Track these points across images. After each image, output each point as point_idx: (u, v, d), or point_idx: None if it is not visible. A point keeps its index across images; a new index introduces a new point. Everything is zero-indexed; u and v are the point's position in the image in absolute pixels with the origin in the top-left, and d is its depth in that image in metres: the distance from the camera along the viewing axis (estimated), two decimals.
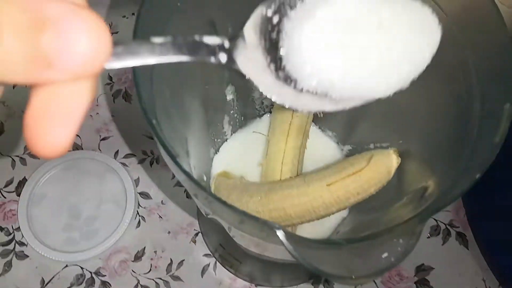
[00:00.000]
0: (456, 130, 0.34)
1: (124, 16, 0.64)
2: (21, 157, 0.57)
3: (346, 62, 0.19)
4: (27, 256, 0.52)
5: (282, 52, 0.20)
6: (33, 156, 0.57)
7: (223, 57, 0.19)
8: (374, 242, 0.26)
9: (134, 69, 0.28)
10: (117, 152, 0.58)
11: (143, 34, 0.28)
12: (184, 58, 0.18)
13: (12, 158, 0.57)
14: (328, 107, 0.21)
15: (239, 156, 0.50)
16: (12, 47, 0.13)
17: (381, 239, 0.26)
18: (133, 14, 0.64)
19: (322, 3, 0.19)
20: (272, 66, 0.20)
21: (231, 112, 0.49)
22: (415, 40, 0.20)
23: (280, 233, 0.25)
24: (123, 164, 0.57)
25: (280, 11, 0.20)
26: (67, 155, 0.56)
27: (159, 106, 0.30)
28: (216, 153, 0.50)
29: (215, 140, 0.49)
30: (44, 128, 0.15)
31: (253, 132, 0.50)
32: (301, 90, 0.20)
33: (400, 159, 0.40)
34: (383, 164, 0.40)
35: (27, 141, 0.16)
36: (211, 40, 0.19)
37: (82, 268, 0.52)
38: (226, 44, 0.20)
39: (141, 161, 0.58)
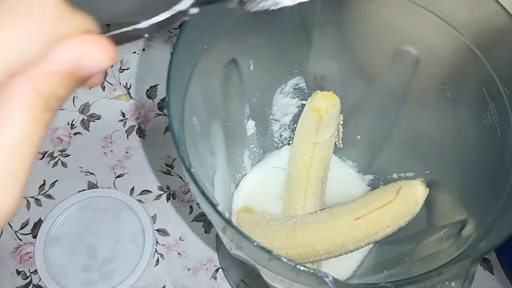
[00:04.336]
0: (489, 161, 0.34)
1: (135, 52, 0.64)
2: (36, 198, 0.56)
3: None
4: None
5: None
6: (48, 196, 0.56)
7: None
8: (425, 285, 0.25)
9: (168, 111, 0.27)
10: (132, 189, 0.57)
11: (176, 73, 0.28)
12: None
13: (27, 200, 0.56)
14: None
15: (259, 190, 0.50)
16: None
17: (432, 281, 0.25)
18: (143, 49, 0.64)
19: None
20: None
21: (251, 146, 0.48)
22: None
23: (329, 281, 0.24)
24: (140, 201, 0.56)
25: None
26: (83, 194, 0.55)
27: (188, 138, 0.30)
28: (236, 188, 0.50)
29: (235, 175, 0.49)
30: None
31: (273, 167, 0.50)
32: None
33: (428, 189, 0.39)
34: (411, 196, 0.39)
35: None
36: None
37: None
38: None
39: (157, 197, 0.57)
